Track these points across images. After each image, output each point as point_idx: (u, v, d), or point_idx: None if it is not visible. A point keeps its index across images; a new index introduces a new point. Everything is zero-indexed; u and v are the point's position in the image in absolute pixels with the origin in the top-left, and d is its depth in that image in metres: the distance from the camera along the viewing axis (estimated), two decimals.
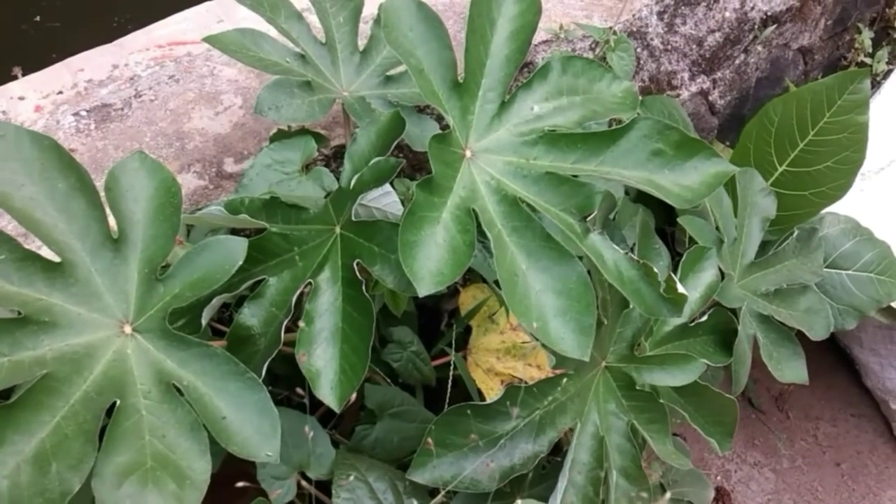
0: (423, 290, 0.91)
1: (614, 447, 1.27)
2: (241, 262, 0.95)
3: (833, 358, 2.72)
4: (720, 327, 1.46)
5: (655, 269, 0.99)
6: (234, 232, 1.29)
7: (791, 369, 1.63)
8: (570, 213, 1.01)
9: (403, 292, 1.00)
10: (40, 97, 1.64)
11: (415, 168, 1.56)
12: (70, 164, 0.94)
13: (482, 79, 1.07)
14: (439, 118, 1.51)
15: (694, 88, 2.16)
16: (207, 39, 1.29)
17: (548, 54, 1.82)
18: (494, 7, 1.08)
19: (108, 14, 3.09)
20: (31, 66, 1.71)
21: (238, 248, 0.95)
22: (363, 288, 1.01)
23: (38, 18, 3.12)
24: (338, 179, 1.33)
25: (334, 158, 1.56)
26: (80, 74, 1.69)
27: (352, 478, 1.13)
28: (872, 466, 2.64)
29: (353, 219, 1.06)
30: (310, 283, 1.05)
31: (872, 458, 2.65)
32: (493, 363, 1.42)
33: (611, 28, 1.63)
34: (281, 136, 1.37)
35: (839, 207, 2.17)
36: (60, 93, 1.65)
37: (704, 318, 1.42)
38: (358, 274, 1.03)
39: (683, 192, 1.05)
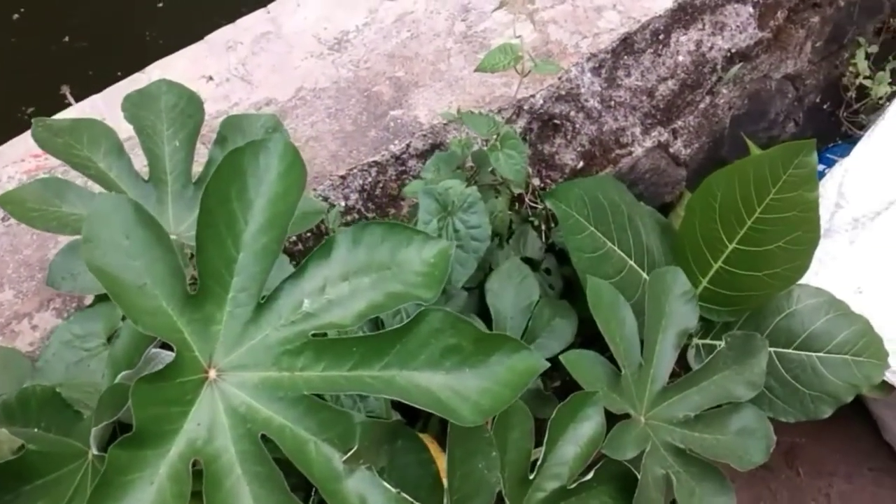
0: None
1: None
2: None
3: (848, 408, 2.45)
4: (618, 472, 1.26)
5: None
6: None
7: None
8: (333, 443, 0.84)
9: None
10: None
11: None
12: None
13: (232, 277, 0.90)
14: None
15: (649, 143, 1.93)
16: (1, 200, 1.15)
17: (454, 136, 1.64)
18: (249, 187, 0.90)
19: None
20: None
21: None
22: None
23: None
24: None
25: None
26: None
27: None
28: None
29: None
30: None
31: None
32: None
33: (495, 125, 1.42)
34: None
35: (828, 262, 1.93)
36: None
37: (590, 475, 1.21)
38: None
39: (482, 397, 0.86)
